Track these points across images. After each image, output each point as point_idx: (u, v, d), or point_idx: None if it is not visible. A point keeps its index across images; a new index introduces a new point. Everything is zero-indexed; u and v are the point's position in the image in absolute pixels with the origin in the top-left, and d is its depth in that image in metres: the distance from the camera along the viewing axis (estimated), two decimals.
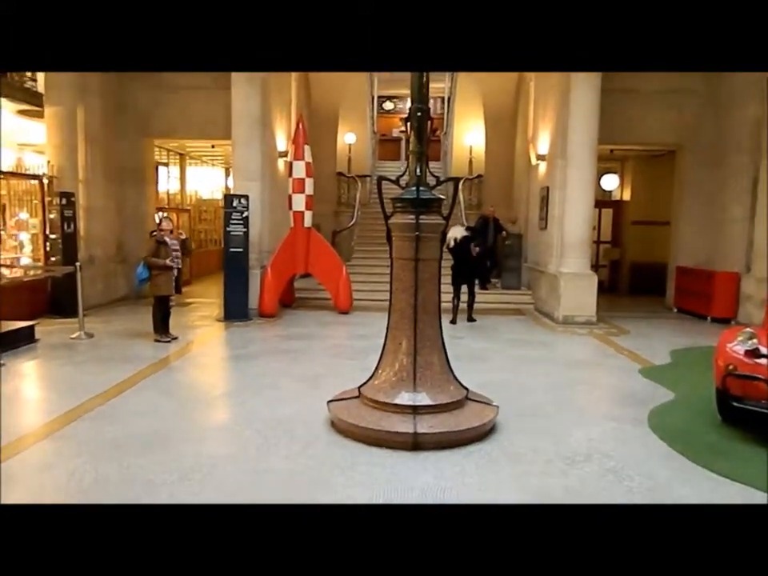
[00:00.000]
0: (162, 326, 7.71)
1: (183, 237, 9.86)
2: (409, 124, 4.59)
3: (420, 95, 4.57)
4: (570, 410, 5.28)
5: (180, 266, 8.81)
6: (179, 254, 8.62)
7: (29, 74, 10.33)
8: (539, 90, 12.11)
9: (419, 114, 4.54)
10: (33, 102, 9.94)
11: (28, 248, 9.72)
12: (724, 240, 10.50)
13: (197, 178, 17.54)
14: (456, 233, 9.35)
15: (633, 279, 14.18)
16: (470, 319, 9.55)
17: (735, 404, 4.40)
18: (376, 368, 4.75)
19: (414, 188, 4.52)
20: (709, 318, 10.05)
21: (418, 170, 4.57)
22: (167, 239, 7.71)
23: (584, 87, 9.46)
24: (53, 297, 9.24)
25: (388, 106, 23.52)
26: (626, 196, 14.80)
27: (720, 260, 10.49)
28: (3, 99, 9.39)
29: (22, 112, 10.15)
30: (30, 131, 10.82)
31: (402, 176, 4.72)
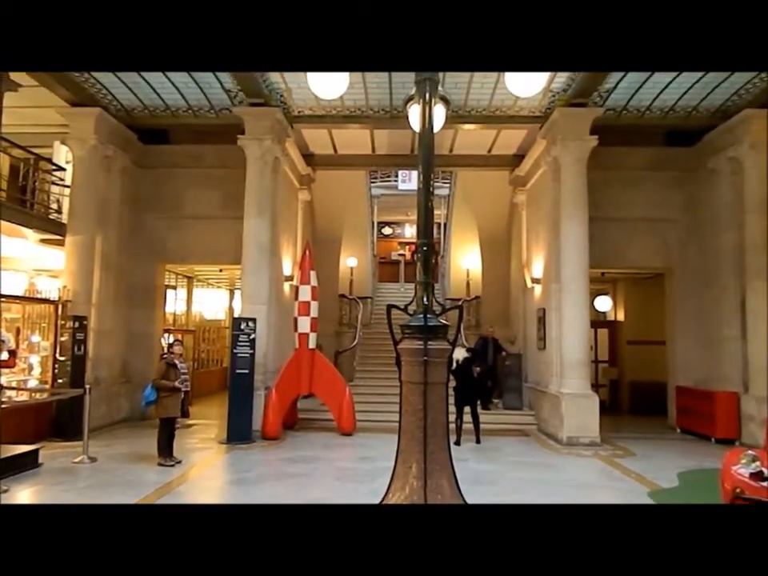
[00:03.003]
0: (166, 449, 7.69)
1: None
2: (416, 257, 4.97)
3: (425, 231, 4.99)
4: None
5: (188, 389, 8.91)
6: (188, 376, 8.76)
7: (54, 206, 11.06)
8: (531, 217, 12.88)
9: (425, 248, 4.94)
10: (55, 231, 10.56)
11: (37, 370, 9.86)
12: (720, 358, 10.67)
13: (202, 300, 18.06)
14: (458, 354, 9.52)
15: (632, 398, 14.19)
16: (478, 441, 9.52)
17: None
18: (386, 492, 4.75)
19: (422, 315, 4.82)
20: (713, 438, 10.02)
21: (425, 299, 4.89)
22: (177, 362, 7.90)
23: (573, 218, 10.11)
24: (57, 419, 9.25)
25: (387, 231, 24.77)
26: (620, 316, 15.21)
27: (718, 378, 10.60)
28: (28, 230, 9.99)
29: (43, 241, 10.74)
30: (45, 258, 11.36)
31: (409, 304, 5.03)
